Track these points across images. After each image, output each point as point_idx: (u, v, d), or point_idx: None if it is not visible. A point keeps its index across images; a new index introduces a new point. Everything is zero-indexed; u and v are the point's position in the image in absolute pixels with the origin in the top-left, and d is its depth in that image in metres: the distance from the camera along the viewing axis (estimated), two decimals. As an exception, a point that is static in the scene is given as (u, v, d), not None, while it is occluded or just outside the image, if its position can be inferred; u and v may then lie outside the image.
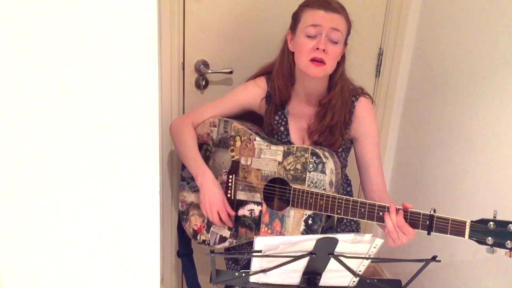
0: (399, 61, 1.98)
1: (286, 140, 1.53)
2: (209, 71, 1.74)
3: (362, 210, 1.30)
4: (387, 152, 2.13)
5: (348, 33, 1.42)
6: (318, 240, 1.08)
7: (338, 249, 1.10)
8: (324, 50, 1.35)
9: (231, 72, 1.75)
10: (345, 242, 1.10)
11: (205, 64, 1.74)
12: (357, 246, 1.11)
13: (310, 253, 1.10)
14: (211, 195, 1.45)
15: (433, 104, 1.85)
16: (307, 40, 1.37)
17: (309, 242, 1.08)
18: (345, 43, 1.43)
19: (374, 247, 1.13)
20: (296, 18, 1.42)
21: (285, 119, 1.53)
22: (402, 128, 2.08)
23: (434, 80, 1.84)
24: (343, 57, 1.44)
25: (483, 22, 1.58)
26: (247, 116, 1.61)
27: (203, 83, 1.76)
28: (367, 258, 1.14)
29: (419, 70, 1.94)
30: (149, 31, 0.91)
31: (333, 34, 1.35)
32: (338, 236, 1.08)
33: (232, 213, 1.48)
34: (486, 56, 1.56)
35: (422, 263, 1.11)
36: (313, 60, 1.36)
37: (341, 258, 1.11)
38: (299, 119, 1.53)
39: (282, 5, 1.73)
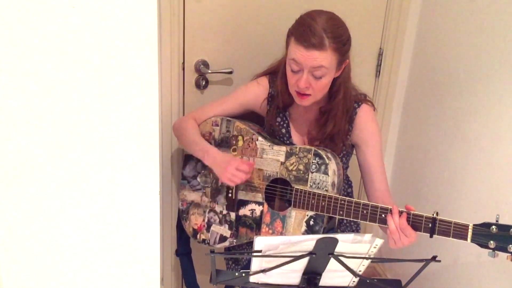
0: (399, 61, 1.98)
1: (288, 142, 1.53)
2: (209, 71, 1.74)
3: (365, 211, 1.30)
4: (387, 152, 2.13)
5: (341, 57, 1.33)
6: (318, 240, 1.08)
7: (338, 249, 1.10)
8: (306, 87, 1.33)
9: (231, 72, 1.75)
10: (345, 242, 1.09)
11: (205, 64, 1.74)
12: (357, 246, 1.11)
13: (310, 253, 1.10)
14: (221, 163, 1.40)
15: (433, 104, 1.84)
16: (291, 73, 1.35)
17: (309, 242, 1.08)
18: (341, 64, 1.35)
19: (374, 247, 1.13)
20: (286, 40, 1.38)
21: (287, 122, 1.52)
22: (402, 128, 2.08)
23: (434, 80, 1.84)
24: (344, 69, 1.39)
25: (483, 22, 1.58)
26: (249, 116, 1.61)
27: (203, 83, 1.76)
28: (367, 258, 1.14)
29: (419, 70, 1.94)
30: (149, 31, 0.92)
31: (316, 71, 1.31)
32: (338, 236, 1.08)
33: (250, 162, 1.43)
34: (486, 56, 1.56)
35: (422, 263, 1.11)
36: (298, 92, 1.36)
37: (341, 258, 1.11)
38: (300, 123, 1.53)
39: (282, 5, 1.73)
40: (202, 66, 1.73)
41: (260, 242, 1.08)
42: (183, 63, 1.72)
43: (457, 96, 1.70)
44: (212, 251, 1.10)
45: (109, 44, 0.91)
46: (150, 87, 0.96)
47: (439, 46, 1.81)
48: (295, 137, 1.53)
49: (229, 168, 1.37)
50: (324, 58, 1.29)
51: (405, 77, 2.01)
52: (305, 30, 1.29)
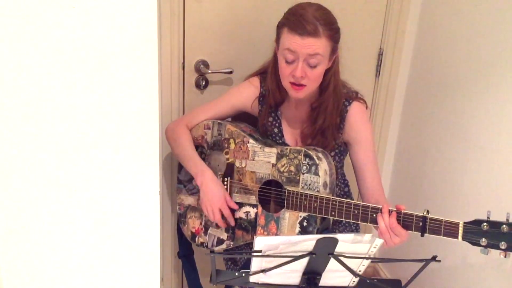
0: (399, 61, 1.98)
1: (280, 141, 1.53)
2: (209, 71, 1.74)
3: (356, 212, 1.29)
4: (386, 152, 2.13)
5: (334, 45, 1.35)
6: (318, 240, 1.08)
7: (338, 249, 1.10)
8: (302, 76, 1.32)
9: (231, 72, 1.75)
10: (345, 242, 1.10)
11: (205, 64, 1.74)
12: (357, 246, 1.11)
13: (310, 253, 1.10)
14: (211, 194, 1.43)
15: (433, 104, 1.85)
16: (285, 64, 1.34)
17: (309, 242, 1.08)
18: (333, 53, 1.36)
19: (374, 247, 1.13)
20: (277, 32, 1.38)
21: (279, 121, 1.52)
22: (402, 128, 2.08)
23: (434, 80, 1.84)
24: (334, 61, 1.39)
25: (483, 22, 1.58)
26: (242, 117, 1.60)
27: (203, 83, 1.76)
28: (367, 258, 1.14)
29: (419, 70, 1.94)
30: (149, 31, 0.92)
31: (311, 59, 1.31)
32: (338, 236, 1.08)
33: (235, 206, 1.45)
34: (486, 56, 1.56)
35: (422, 263, 1.12)
36: (293, 84, 1.35)
37: (341, 258, 1.11)
38: (292, 121, 1.52)
39: (282, 5, 1.72)
40: (202, 66, 1.73)
41: (260, 242, 1.09)
42: (183, 63, 1.72)
43: (457, 96, 1.70)
44: (212, 251, 1.10)
45: (109, 44, 0.91)
46: (150, 87, 0.96)
47: (439, 46, 1.81)
48: (287, 136, 1.53)
49: (213, 205, 1.43)
50: (320, 45, 1.30)
51: (405, 77, 2.01)
52: (297, 19, 1.30)
